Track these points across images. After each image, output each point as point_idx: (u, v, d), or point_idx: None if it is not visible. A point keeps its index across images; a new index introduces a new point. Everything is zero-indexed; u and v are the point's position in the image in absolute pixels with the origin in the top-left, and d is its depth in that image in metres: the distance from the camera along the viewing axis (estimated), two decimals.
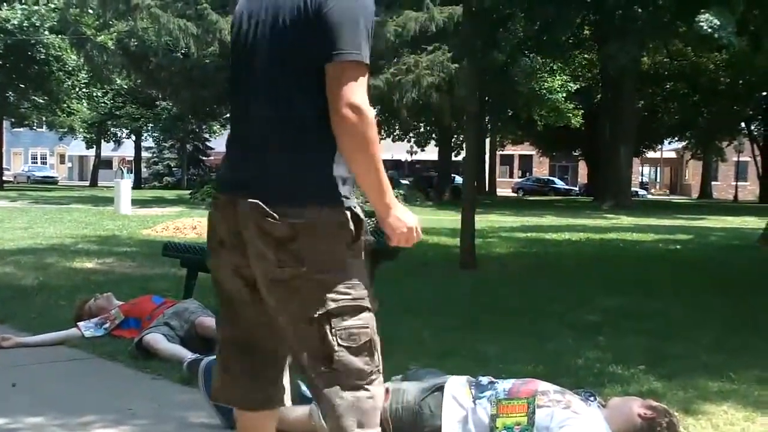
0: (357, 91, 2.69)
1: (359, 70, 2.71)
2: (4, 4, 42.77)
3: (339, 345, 2.81)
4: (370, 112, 2.72)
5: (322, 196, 2.78)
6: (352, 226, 2.86)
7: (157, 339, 5.63)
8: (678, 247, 17.36)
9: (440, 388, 4.04)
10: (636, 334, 6.90)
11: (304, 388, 4.20)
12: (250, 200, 2.74)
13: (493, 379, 4.10)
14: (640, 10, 31.91)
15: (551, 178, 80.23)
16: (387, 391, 3.47)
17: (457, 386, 4.05)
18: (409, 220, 2.97)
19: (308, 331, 2.80)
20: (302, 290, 2.78)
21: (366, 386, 2.90)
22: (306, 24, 2.72)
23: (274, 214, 2.72)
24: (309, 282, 2.77)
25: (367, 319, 2.90)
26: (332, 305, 2.79)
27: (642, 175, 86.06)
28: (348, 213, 2.84)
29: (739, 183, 69.30)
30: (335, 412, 2.84)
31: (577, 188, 74.61)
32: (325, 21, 2.68)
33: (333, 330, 2.80)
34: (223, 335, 3.10)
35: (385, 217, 2.95)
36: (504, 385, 4.01)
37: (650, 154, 74.11)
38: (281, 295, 2.82)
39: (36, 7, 43.09)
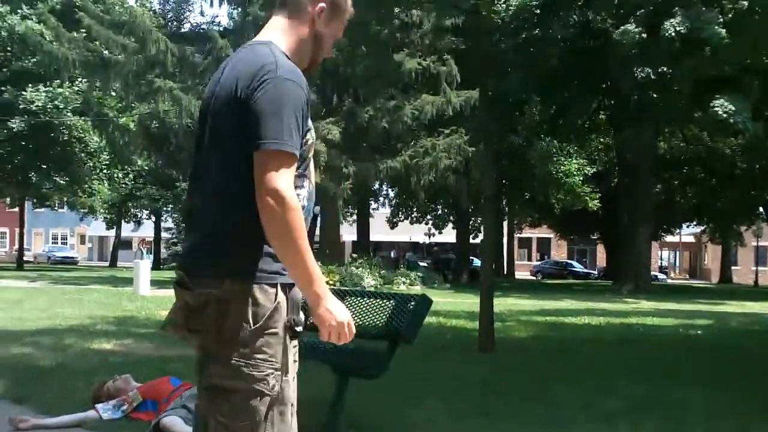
0: (277, 179, 2.76)
1: (281, 158, 2.79)
2: (29, 85, 43.31)
3: (218, 421, 2.84)
4: (293, 199, 2.78)
5: (238, 270, 2.83)
6: (266, 303, 2.85)
7: (174, 422, 5.59)
8: (699, 332, 17.21)
9: None
10: (657, 420, 6.82)
11: None
12: (178, 271, 2.95)
13: None
14: (655, 96, 32.11)
15: (569, 261, 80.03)
16: None
17: None
18: (339, 314, 2.89)
19: (201, 399, 2.93)
20: (205, 359, 2.88)
21: None
22: (238, 112, 2.85)
23: (189, 284, 2.88)
24: (209, 350, 2.86)
25: (256, 404, 2.84)
26: (221, 381, 2.83)
27: (661, 259, 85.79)
28: (263, 289, 2.85)
29: (759, 268, 68.97)
30: None
31: (595, 272, 74.34)
32: (252, 110, 2.81)
33: (216, 404, 2.85)
34: None
35: (314, 308, 2.88)
36: None
37: (669, 238, 73.93)
38: (198, 362, 2.93)
39: (60, 90, 43.64)
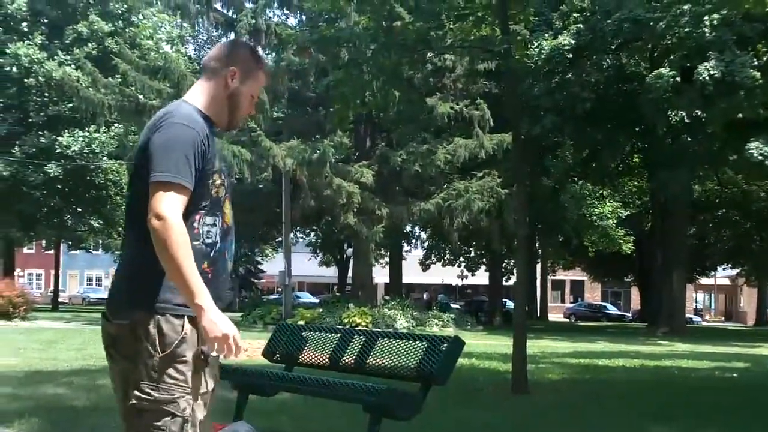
0: (161, 203, 3.10)
1: (168, 188, 3.13)
2: (65, 130, 43.76)
3: None
4: (175, 221, 3.09)
5: (143, 302, 3.18)
6: (171, 333, 3.17)
7: None
8: (734, 375, 17.05)
9: None
10: None
11: None
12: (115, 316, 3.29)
13: None
14: (689, 139, 32.06)
15: (603, 303, 79.58)
16: None
17: None
18: (224, 326, 3.11)
19: (127, 419, 3.25)
20: (125, 381, 3.24)
21: None
22: (144, 156, 3.27)
23: (108, 315, 3.32)
24: (127, 375, 3.22)
25: (167, 424, 3.14)
26: (135, 401, 3.17)
27: (696, 302, 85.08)
28: (167, 320, 3.17)
29: None
30: None
31: (629, 314, 73.81)
32: (149, 150, 3.24)
33: (133, 425, 3.20)
34: None
35: (198, 320, 3.12)
36: None
37: (704, 281, 73.43)
38: (119, 381, 3.31)
39: (96, 135, 44.05)
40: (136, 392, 3.15)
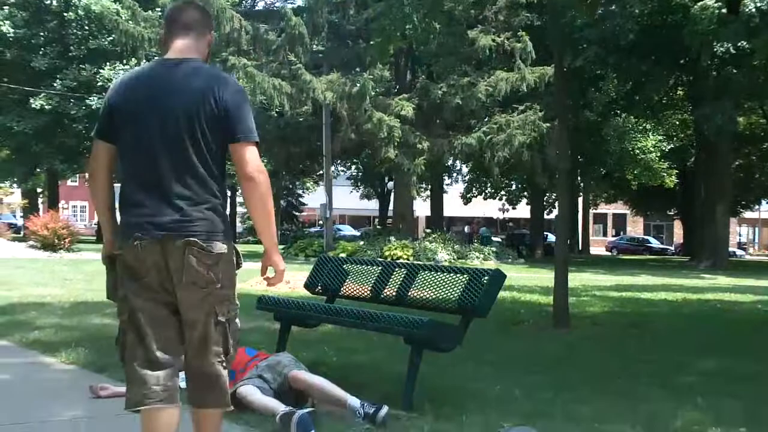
0: (258, 160, 3.93)
1: (256, 146, 3.95)
2: (107, 63, 43.86)
3: (232, 343, 3.98)
4: (266, 175, 3.88)
5: (226, 233, 3.88)
6: (235, 259, 3.99)
7: (250, 391, 5.67)
8: None
9: None
10: (735, 396, 6.74)
11: None
12: (187, 239, 3.75)
13: None
14: (734, 71, 31.57)
15: (646, 237, 79.28)
16: None
17: None
18: (283, 263, 4.10)
19: (217, 331, 3.89)
20: (215, 299, 3.85)
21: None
22: (212, 107, 3.86)
23: (205, 246, 3.77)
24: (218, 294, 3.86)
25: (239, 324, 4.07)
26: (231, 314, 3.95)
27: (739, 235, 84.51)
28: (234, 247, 3.96)
29: None
30: (225, 396, 4.04)
31: (672, 248, 73.47)
32: (226, 109, 3.85)
33: (230, 332, 3.94)
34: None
35: (272, 254, 4.02)
36: None
37: (748, 214, 72.78)
38: (203, 301, 3.83)
39: (137, 68, 44.15)
40: (231, 306, 3.96)
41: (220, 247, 3.81)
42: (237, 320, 4.01)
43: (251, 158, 3.81)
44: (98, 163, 4.00)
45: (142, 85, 3.93)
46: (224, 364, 3.95)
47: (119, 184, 4.03)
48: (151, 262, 3.79)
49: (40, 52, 44.53)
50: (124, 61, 44.02)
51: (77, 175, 68.66)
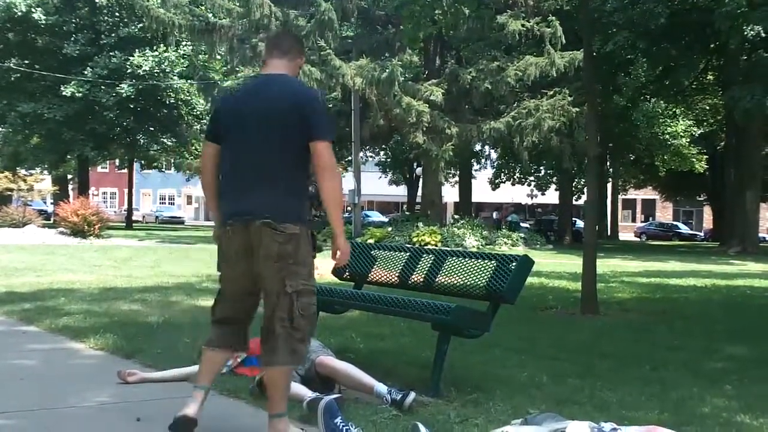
0: (333, 157, 4.79)
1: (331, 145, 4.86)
2: (137, 50, 44.05)
3: (299, 313, 4.58)
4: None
5: (301, 217, 4.64)
6: (312, 242, 4.73)
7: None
8: None
9: None
10: (765, 383, 6.71)
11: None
12: (263, 220, 4.53)
13: (616, 426, 4.04)
14: (766, 55, 31.30)
15: (675, 222, 78.88)
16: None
17: None
18: (346, 246, 4.90)
19: (284, 300, 4.56)
20: (287, 273, 4.56)
21: (304, 342, 4.70)
22: (300, 114, 4.68)
23: (279, 228, 4.53)
24: (290, 269, 4.56)
25: (314, 299, 4.72)
26: (300, 287, 4.59)
27: None
28: (311, 232, 4.73)
29: None
30: (286, 359, 4.62)
31: (701, 233, 73.06)
32: (308, 114, 4.67)
33: (297, 303, 4.58)
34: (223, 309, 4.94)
35: (339, 238, 4.83)
36: (627, 431, 3.94)
37: None
38: (276, 274, 4.56)
39: (166, 54, 44.28)
40: (301, 281, 4.60)
41: (293, 228, 4.55)
42: (311, 296, 4.67)
43: (326, 154, 4.63)
44: (208, 160, 4.91)
45: (244, 95, 4.87)
46: (290, 330, 4.57)
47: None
48: (239, 242, 4.63)
49: (71, 39, 44.79)
50: (154, 48, 44.20)
51: (107, 162, 69.08)
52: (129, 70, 43.66)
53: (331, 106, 38.91)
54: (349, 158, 42.19)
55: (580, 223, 52.75)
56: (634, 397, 6.01)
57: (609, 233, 63.17)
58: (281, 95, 4.69)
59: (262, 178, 4.62)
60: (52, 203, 60.73)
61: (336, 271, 7.69)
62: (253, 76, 5.32)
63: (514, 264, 6.31)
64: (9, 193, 48.10)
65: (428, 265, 6.99)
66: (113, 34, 45.20)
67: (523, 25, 32.13)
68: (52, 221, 45.12)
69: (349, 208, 39.41)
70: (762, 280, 20.14)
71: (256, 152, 4.63)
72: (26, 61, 46.31)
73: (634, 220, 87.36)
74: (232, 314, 4.90)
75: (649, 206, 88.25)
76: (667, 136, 52.54)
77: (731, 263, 29.28)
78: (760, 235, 49.37)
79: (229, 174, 4.76)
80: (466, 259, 6.87)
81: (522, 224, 51.73)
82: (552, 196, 63.77)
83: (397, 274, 7.22)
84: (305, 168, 4.72)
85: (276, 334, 4.58)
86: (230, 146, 4.74)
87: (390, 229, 37.37)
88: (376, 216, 69.23)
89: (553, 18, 32.76)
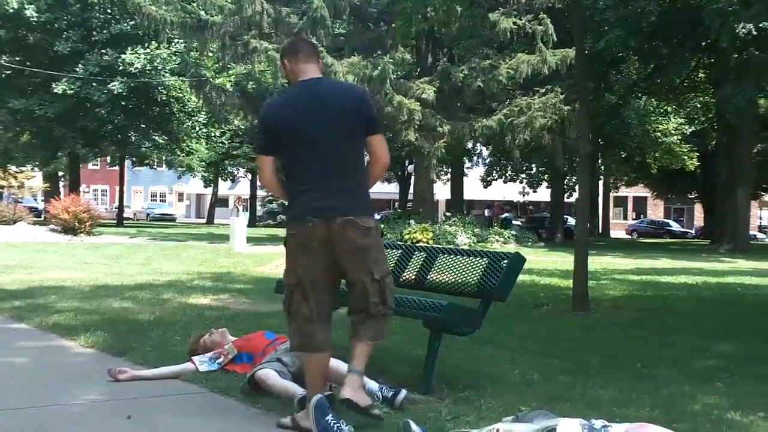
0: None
1: None
2: (128, 48, 43.99)
3: (388, 293, 5.08)
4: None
5: (372, 210, 5.17)
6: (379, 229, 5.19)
7: (269, 375, 5.68)
8: None
9: (552, 431, 3.99)
10: (756, 380, 6.72)
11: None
12: (346, 218, 4.89)
13: (607, 423, 4.04)
14: (757, 53, 31.34)
15: (666, 220, 79.05)
16: None
17: (569, 429, 3.99)
18: None
19: (374, 286, 5.00)
20: (371, 262, 5.00)
21: (392, 314, 5.25)
22: (359, 116, 5.09)
23: (360, 223, 4.92)
24: (375, 258, 5.04)
25: (391, 279, 5.22)
26: (384, 272, 5.10)
27: (760, 219, 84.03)
28: (378, 221, 5.17)
29: None
30: (382, 332, 5.12)
31: (692, 231, 73.22)
32: (368, 114, 5.14)
33: (384, 286, 5.06)
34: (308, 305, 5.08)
35: None
36: (618, 429, 3.94)
37: None
38: (362, 265, 4.99)
39: (158, 51, 44.24)
40: (384, 267, 5.13)
41: (370, 222, 4.99)
42: (390, 275, 5.18)
43: (384, 146, 5.14)
44: (269, 172, 5.15)
45: (297, 102, 5.06)
46: (383, 309, 5.05)
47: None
48: (320, 238, 4.88)
49: (63, 36, 44.69)
50: (146, 45, 44.13)
51: (98, 159, 68.95)
52: (121, 68, 43.58)
53: None
54: None
55: (571, 221, 52.83)
56: (625, 394, 6.02)
57: (600, 231, 63.29)
58: (339, 97, 5.09)
59: (337, 177, 4.94)
60: (42, 200, 60.61)
61: None
62: (298, 84, 5.17)
63: (505, 261, 6.31)
64: (0, 190, 48.00)
65: (420, 262, 6.98)
66: (105, 31, 45.11)
67: (514, 23, 32.16)
68: (42, 218, 45.01)
69: None
70: (752, 278, 20.18)
71: (328, 153, 4.93)
72: (17, 58, 46.17)
73: (625, 217, 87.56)
74: (326, 307, 5.13)
75: (640, 204, 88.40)
76: (659, 134, 52.67)
77: (722, 261, 29.33)
78: (751, 232, 49.51)
79: (303, 175, 4.99)
80: (458, 257, 6.87)
81: (514, 222, 51.77)
82: (543, 194, 63.78)
83: None
84: (364, 162, 5.18)
85: (372, 314, 5.02)
86: (295, 151, 4.99)
87: (382, 226, 37.26)
88: None
89: (545, 16, 32.79)
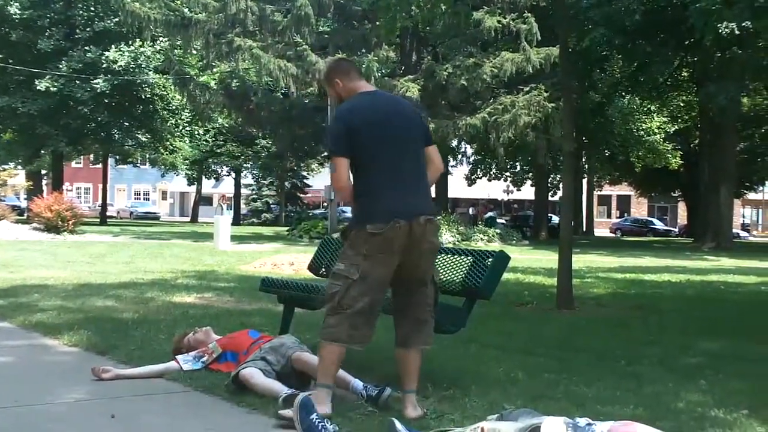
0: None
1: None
2: (112, 45, 43.85)
3: (438, 296, 5.47)
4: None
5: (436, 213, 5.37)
6: None
7: (253, 373, 5.67)
8: None
9: (536, 429, 3.99)
10: (739, 378, 6.73)
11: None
12: (427, 217, 5.16)
13: (591, 421, 4.03)
14: (739, 51, 31.47)
15: (650, 218, 79.26)
16: None
17: (553, 427, 3.99)
18: None
19: (432, 288, 5.36)
20: (434, 263, 5.47)
21: None
22: (421, 127, 5.58)
23: (435, 222, 5.24)
24: (434, 260, 5.49)
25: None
26: (437, 276, 5.52)
27: (743, 217, 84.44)
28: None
29: None
30: (433, 336, 5.48)
31: (676, 229, 73.46)
32: (425, 126, 5.66)
33: (437, 289, 5.47)
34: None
35: None
36: (602, 427, 3.94)
37: (751, 196, 72.78)
38: (432, 265, 5.40)
39: (142, 49, 44.13)
40: (434, 271, 5.47)
41: (438, 224, 5.32)
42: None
43: (438, 154, 5.56)
44: (345, 174, 5.23)
45: (377, 107, 5.32)
46: (433, 314, 5.38)
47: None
48: (404, 236, 5.04)
49: (46, 34, 44.56)
50: (130, 43, 44.00)
51: (82, 157, 68.74)
52: (104, 65, 43.45)
53: (306, 101, 38.90)
54: (325, 153, 42.10)
55: (555, 219, 52.91)
56: (610, 392, 6.02)
57: (584, 229, 63.46)
58: (408, 107, 5.56)
59: (416, 181, 5.25)
60: (25, 198, 60.33)
61: (312, 267, 7.69)
62: (367, 94, 5.44)
63: (490, 260, 6.31)
64: None
65: None
66: (88, 29, 45.00)
67: (499, 22, 32.21)
68: (25, 217, 44.76)
69: (325, 204, 39.36)
70: (735, 276, 20.26)
71: (409, 156, 5.26)
72: (0, 55, 46.00)
73: (609, 216, 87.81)
74: (379, 305, 5.30)
75: (624, 202, 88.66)
76: (642, 133, 52.78)
77: (705, 259, 29.45)
78: (734, 231, 49.72)
79: (380, 178, 5.16)
80: (443, 255, 6.86)
81: (498, 220, 51.84)
82: (528, 192, 63.87)
83: None
84: None
85: (424, 319, 5.32)
86: (377, 154, 5.18)
87: None
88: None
89: (529, 14, 32.86)
